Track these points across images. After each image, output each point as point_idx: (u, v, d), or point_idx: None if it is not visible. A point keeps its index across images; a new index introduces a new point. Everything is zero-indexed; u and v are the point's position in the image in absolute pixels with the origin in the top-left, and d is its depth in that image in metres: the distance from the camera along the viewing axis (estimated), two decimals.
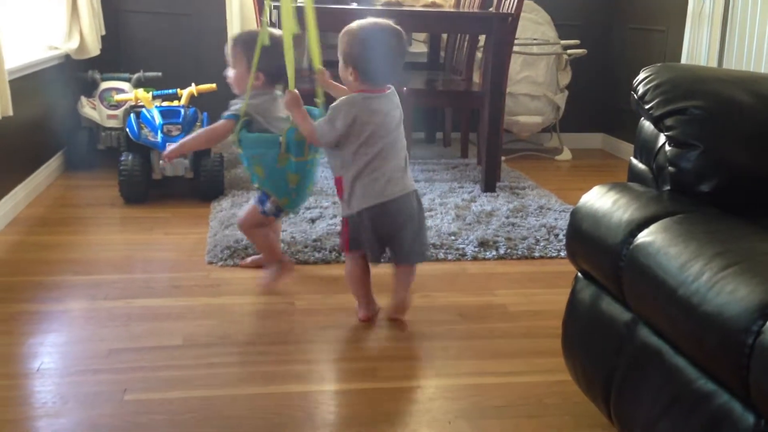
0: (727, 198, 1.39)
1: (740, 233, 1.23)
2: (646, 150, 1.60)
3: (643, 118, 1.61)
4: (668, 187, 1.47)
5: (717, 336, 1.05)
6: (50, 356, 1.76)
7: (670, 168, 1.44)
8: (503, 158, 3.79)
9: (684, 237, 1.23)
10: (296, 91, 1.95)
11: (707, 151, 1.39)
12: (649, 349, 1.28)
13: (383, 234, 1.90)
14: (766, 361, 0.96)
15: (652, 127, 1.56)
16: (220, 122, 2.12)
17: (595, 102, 4.38)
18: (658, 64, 1.57)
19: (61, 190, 3.18)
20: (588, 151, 4.33)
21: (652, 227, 1.31)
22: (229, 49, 2.16)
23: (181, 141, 2.30)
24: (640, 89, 1.53)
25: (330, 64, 2.07)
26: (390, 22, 1.94)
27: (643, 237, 1.30)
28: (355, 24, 1.92)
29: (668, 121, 1.45)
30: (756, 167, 1.39)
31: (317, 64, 2.04)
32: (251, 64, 2.02)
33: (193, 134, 2.34)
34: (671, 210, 1.34)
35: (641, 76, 1.55)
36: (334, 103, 1.90)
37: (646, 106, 1.50)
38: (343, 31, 1.92)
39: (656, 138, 1.56)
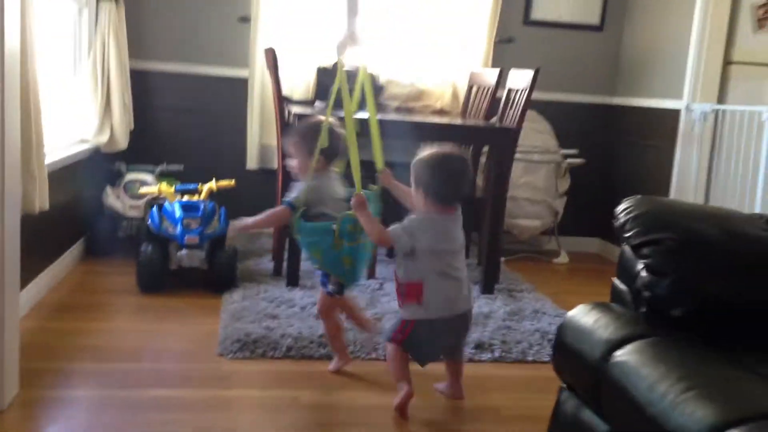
0: (698, 323, 1.54)
1: (703, 358, 1.37)
2: (626, 272, 1.76)
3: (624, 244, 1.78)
4: (645, 309, 1.62)
5: None
6: None
7: (645, 293, 1.60)
8: (503, 259, 3.94)
9: (654, 359, 1.38)
10: (362, 194, 2.18)
11: (678, 280, 1.55)
12: None
13: (446, 342, 2.17)
14: None
15: (632, 252, 1.72)
16: (280, 208, 2.38)
17: (593, 208, 4.57)
18: (638, 196, 1.75)
19: (81, 276, 3.34)
20: (585, 255, 4.49)
21: (628, 347, 1.45)
22: (290, 141, 2.42)
23: (251, 220, 2.39)
24: (621, 218, 1.71)
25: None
26: (455, 150, 2.21)
27: (619, 356, 1.44)
28: (426, 151, 2.18)
29: (644, 250, 1.61)
30: (723, 297, 1.55)
31: (380, 165, 2.31)
32: (311, 152, 2.31)
33: (260, 216, 2.42)
34: (645, 332, 1.49)
35: (622, 206, 1.74)
36: (412, 217, 2.14)
37: (626, 235, 1.67)
38: (417, 156, 2.19)
39: (635, 262, 1.72)
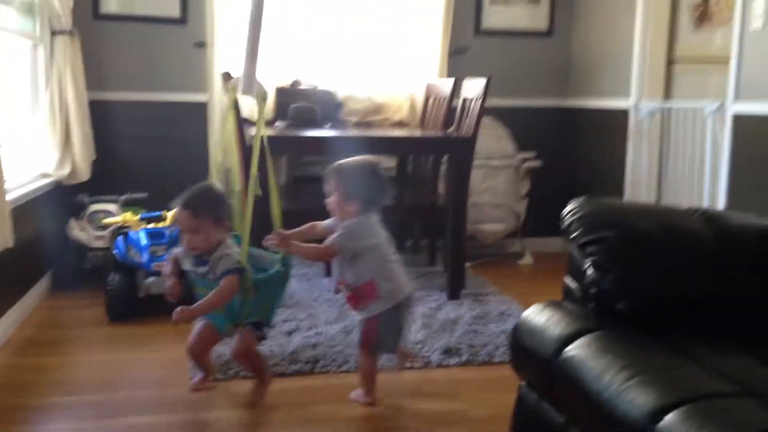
0: (642, 315, 1.62)
1: (646, 348, 1.45)
2: (576, 270, 1.85)
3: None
4: (593, 305, 1.70)
5: None
6: None
7: (592, 289, 1.68)
8: (468, 264, 4.02)
9: (600, 351, 1.46)
10: (282, 230, 2.27)
11: (622, 275, 1.64)
12: None
13: (403, 323, 2.33)
14: None
15: (578, 251, 1.81)
16: (227, 281, 2.15)
17: (554, 208, 4.64)
18: (582, 198, 1.84)
19: (49, 311, 3.34)
20: (549, 255, 4.58)
21: (577, 342, 1.53)
22: (189, 216, 2.21)
23: (196, 306, 2.18)
24: (567, 219, 1.80)
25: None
26: (373, 158, 2.37)
27: (569, 351, 1.52)
28: (352, 163, 2.31)
29: (589, 249, 1.70)
30: (664, 289, 1.64)
31: (278, 225, 2.34)
32: (216, 218, 2.22)
33: (207, 299, 2.18)
34: (593, 327, 1.57)
35: (568, 208, 1.82)
36: (347, 224, 2.25)
37: (572, 235, 1.76)
38: (342, 168, 2.29)
39: (583, 261, 1.80)
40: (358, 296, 2.28)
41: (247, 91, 2.36)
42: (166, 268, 2.33)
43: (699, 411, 1.20)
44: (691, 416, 1.18)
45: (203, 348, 2.39)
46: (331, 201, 2.29)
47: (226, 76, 2.32)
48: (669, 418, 1.19)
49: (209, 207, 2.23)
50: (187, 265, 2.27)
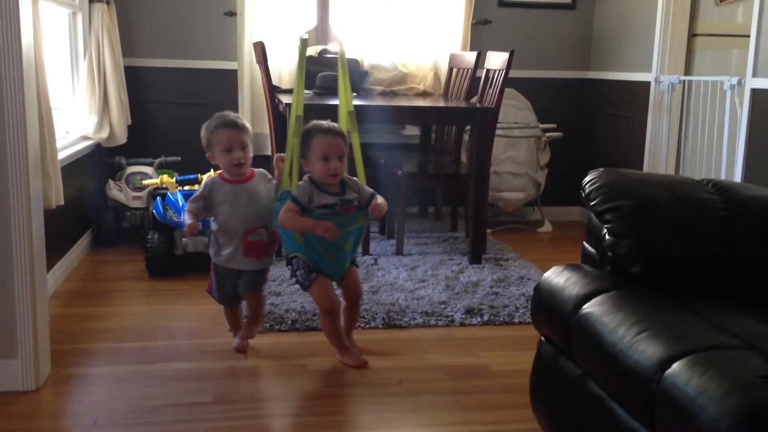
0: (654, 277, 1.76)
1: (656, 306, 1.59)
2: (594, 236, 1.98)
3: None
4: (609, 268, 1.84)
5: (633, 384, 1.41)
6: (105, 412, 2.09)
7: (609, 253, 1.82)
8: (489, 231, 4.17)
9: (615, 308, 1.60)
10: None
11: (636, 241, 1.76)
12: (594, 398, 1.63)
13: None
14: (664, 401, 1.31)
15: (596, 218, 1.94)
16: (382, 200, 2.45)
17: (573, 178, 4.77)
18: (601, 169, 1.96)
19: (91, 266, 3.54)
20: (568, 223, 4.72)
21: (593, 300, 1.67)
22: (343, 142, 2.42)
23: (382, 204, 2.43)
24: (587, 188, 1.92)
25: None
26: None
27: (586, 308, 1.66)
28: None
29: (607, 216, 1.83)
30: (674, 253, 1.77)
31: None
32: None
33: (382, 202, 2.43)
34: (608, 287, 1.71)
35: (588, 178, 1.95)
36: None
37: (591, 203, 1.89)
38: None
39: (601, 228, 1.93)
40: (271, 242, 2.49)
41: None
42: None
43: (703, 360, 1.33)
44: (695, 364, 1.31)
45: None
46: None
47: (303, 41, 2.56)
48: (676, 366, 1.33)
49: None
50: (327, 200, 2.35)
